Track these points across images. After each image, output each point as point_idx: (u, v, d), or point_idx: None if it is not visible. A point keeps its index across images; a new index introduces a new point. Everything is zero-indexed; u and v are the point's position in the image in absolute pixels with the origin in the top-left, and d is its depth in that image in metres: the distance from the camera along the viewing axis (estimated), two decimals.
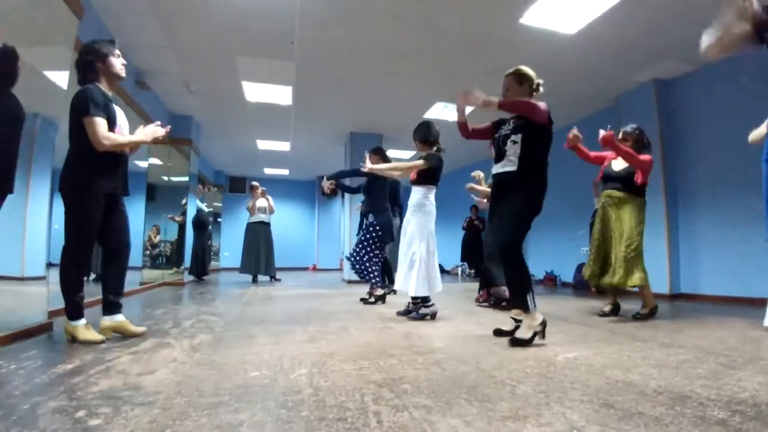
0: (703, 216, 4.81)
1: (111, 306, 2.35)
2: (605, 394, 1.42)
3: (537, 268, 6.86)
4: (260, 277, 7.05)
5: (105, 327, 2.31)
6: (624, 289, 3.31)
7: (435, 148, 3.39)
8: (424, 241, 3.18)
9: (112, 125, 2.25)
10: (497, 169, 2.43)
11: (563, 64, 4.73)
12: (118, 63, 2.34)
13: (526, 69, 2.47)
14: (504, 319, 2.76)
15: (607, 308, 3.39)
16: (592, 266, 3.39)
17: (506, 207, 2.34)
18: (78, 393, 1.39)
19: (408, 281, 3.18)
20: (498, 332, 2.48)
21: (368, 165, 3.62)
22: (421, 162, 3.25)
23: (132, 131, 2.46)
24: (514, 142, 2.35)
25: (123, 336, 2.35)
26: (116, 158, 2.32)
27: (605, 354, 2.03)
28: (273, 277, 7.09)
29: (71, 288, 2.22)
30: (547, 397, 1.39)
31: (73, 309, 2.21)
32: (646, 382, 1.55)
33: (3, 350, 1.99)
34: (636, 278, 3.14)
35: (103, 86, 2.30)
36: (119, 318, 2.35)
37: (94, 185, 2.22)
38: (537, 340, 2.24)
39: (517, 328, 2.41)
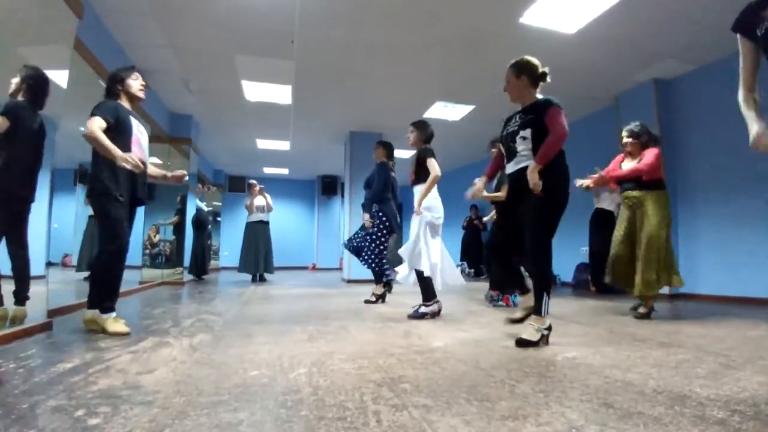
0: (702, 216, 4.81)
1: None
2: (604, 393, 1.42)
3: None
4: (249, 276, 7.06)
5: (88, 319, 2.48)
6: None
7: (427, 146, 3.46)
8: (428, 234, 3.22)
9: (125, 133, 2.50)
10: (512, 167, 2.40)
11: (563, 63, 4.72)
12: (136, 84, 2.63)
13: (526, 58, 2.40)
14: (504, 317, 2.77)
15: (647, 309, 3.30)
16: (617, 257, 3.29)
17: (531, 206, 2.28)
18: (77, 392, 1.39)
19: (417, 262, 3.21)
20: (512, 320, 2.53)
21: (419, 210, 3.27)
22: (435, 164, 3.28)
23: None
24: (524, 138, 2.30)
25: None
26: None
27: (604, 353, 2.03)
28: (262, 276, 7.08)
29: (105, 280, 2.45)
30: (547, 397, 1.39)
31: (105, 302, 2.43)
32: (645, 382, 1.55)
33: (2, 349, 1.99)
34: (662, 282, 3.16)
35: (125, 104, 2.59)
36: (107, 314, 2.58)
37: (115, 191, 2.44)
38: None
39: (528, 315, 2.42)
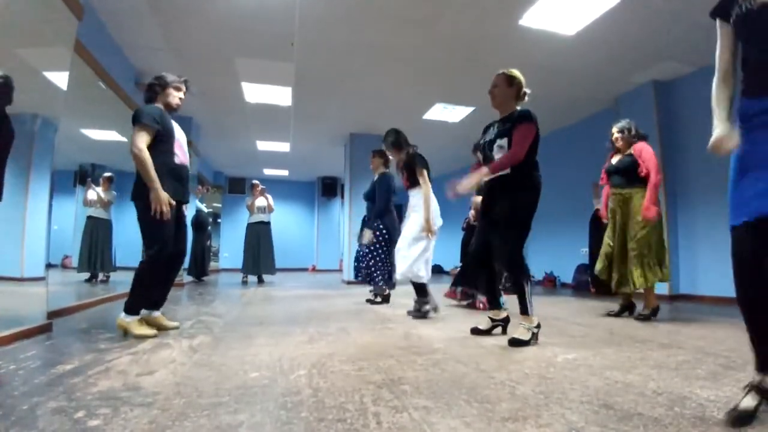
0: (701, 217, 4.81)
1: (152, 304, 2.63)
2: (604, 395, 1.42)
3: (536, 269, 6.85)
4: (251, 278, 7.06)
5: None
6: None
7: (411, 149, 3.44)
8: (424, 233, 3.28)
9: (169, 137, 2.54)
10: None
11: (562, 65, 4.74)
12: (175, 96, 2.64)
13: (518, 73, 2.47)
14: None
15: (617, 309, 3.41)
16: (603, 261, 3.36)
17: (506, 213, 2.33)
18: (77, 393, 1.39)
19: (419, 269, 3.26)
20: (475, 331, 2.56)
21: (429, 228, 3.26)
22: (424, 173, 3.30)
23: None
24: (501, 147, 2.36)
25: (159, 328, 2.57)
26: (179, 169, 2.56)
27: (604, 355, 2.03)
28: (261, 277, 7.07)
29: (139, 287, 2.44)
30: (547, 398, 1.39)
31: (131, 305, 2.42)
32: (645, 383, 1.55)
33: (2, 351, 1.99)
34: (648, 280, 3.13)
35: (159, 104, 2.59)
36: (155, 313, 2.64)
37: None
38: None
39: (494, 327, 2.56)
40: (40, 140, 2.66)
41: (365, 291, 4.72)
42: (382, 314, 3.49)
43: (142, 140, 2.38)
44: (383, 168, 4.24)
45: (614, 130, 3.42)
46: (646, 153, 3.22)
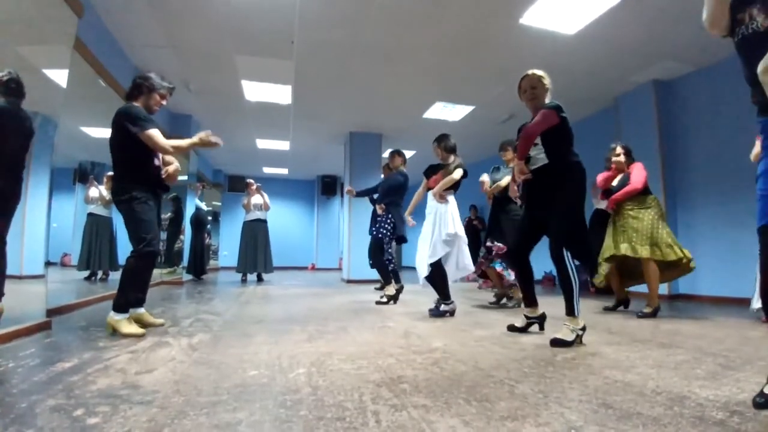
0: (701, 217, 4.81)
1: (137, 301, 2.62)
2: (604, 394, 1.42)
3: (536, 268, 6.82)
4: (250, 276, 7.05)
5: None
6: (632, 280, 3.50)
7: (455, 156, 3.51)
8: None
9: None
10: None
11: (562, 64, 4.73)
12: (156, 102, 2.69)
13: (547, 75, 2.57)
14: (503, 317, 2.77)
15: (613, 303, 3.57)
16: (606, 268, 3.54)
17: (559, 203, 2.33)
18: (76, 391, 1.39)
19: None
20: (512, 328, 2.62)
21: (437, 194, 3.37)
22: (460, 172, 3.35)
23: None
24: (535, 144, 2.42)
25: (144, 325, 2.55)
26: (151, 163, 2.59)
27: (604, 354, 2.04)
28: (260, 276, 7.07)
29: (131, 284, 2.44)
30: (546, 397, 1.39)
31: (123, 303, 2.40)
32: (644, 383, 1.55)
33: (2, 348, 1.99)
34: (647, 250, 3.27)
35: (139, 104, 2.61)
36: (140, 310, 2.65)
37: (140, 188, 2.48)
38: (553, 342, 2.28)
39: (530, 325, 2.59)
40: (40, 138, 2.65)
41: (365, 289, 4.72)
42: (382, 313, 3.49)
43: (160, 136, 2.47)
44: (403, 166, 4.56)
45: (619, 149, 3.56)
46: (635, 169, 3.44)
